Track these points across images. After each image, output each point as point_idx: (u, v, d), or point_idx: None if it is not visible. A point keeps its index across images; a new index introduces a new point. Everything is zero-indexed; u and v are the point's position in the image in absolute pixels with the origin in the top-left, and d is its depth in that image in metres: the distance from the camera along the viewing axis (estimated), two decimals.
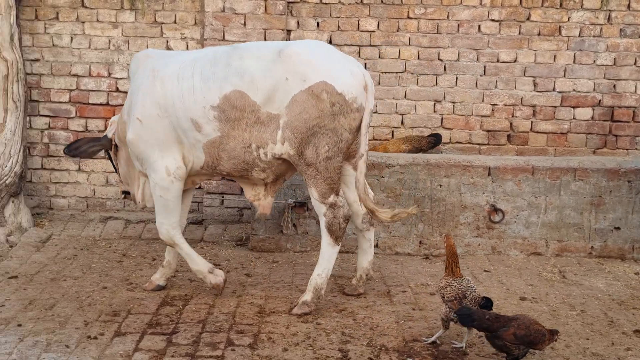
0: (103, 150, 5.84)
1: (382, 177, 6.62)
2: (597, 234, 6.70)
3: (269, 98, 5.08)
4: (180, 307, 5.32)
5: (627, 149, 7.63)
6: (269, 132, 5.13)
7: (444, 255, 6.38)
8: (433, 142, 7.39)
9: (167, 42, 7.40)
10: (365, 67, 7.50)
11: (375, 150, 7.28)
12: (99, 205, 7.57)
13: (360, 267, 5.69)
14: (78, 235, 7.10)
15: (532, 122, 7.62)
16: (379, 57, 7.52)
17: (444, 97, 7.59)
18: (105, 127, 7.01)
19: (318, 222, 6.61)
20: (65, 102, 7.51)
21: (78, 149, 5.76)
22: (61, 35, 7.42)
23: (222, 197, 7.44)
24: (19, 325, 4.88)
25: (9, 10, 6.79)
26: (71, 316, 5.07)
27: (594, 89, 7.58)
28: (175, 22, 7.40)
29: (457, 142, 7.64)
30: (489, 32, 7.49)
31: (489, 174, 6.65)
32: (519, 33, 7.49)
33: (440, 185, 6.65)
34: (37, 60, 7.44)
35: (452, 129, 7.62)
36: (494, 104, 7.60)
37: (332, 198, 5.21)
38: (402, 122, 7.62)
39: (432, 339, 4.77)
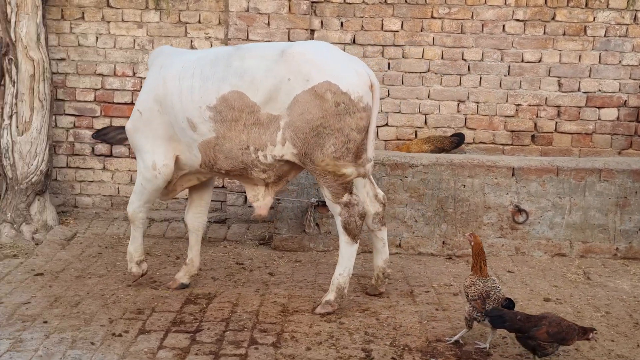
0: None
1: (406, 177, 6.61)
2: (622, 235, 6.65)
3: (269, 99, 5.05)
4: (204, 305, 5.34)
5: None
6: (269, 134, 5.10)
7: (468, 256, 6.41)
8: (456, 142, 7.36)
9: (192, 41, 7.44)
10: (389, 67, 7.50)
11: (398, 150, 7.28)
12: (123, 203, 7.61)
13: (377, 267, 5.66)
14: (102, 233, 7.15)
15: (556, 122, 7.58)
16: (403, 57, 7.51)
17: (468, 97, 7.57)
18: None
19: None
20: (90, 101, 7.57)
21: (106, 135, 5.93)
22: (87, 34, 7.48)
23: (245, 196, 7.45)
24: (45, 322, 4.93)
25: (35, 10, 6.86)
26: (96, 313, 5.11)
27: (619, 90, 7.52)
28: (199, 21, 7.44)
29: (480, 143, 7.61)
30: (513, 32, 7.46)
31: (513, 175, 6.62)
32: (544, 33, 7.45)
33: (464, 186, 6.63)
34: (63, 59, 7.50)
35: (475, 129, 7.60)
36: (518, 104, 7.56)
37: (346, 197, 5.18)
38: (425, 122, 7.60)
39: (455, 338, 4.76)
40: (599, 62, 7.49)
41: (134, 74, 7.50)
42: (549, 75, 7.52)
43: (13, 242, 6.70)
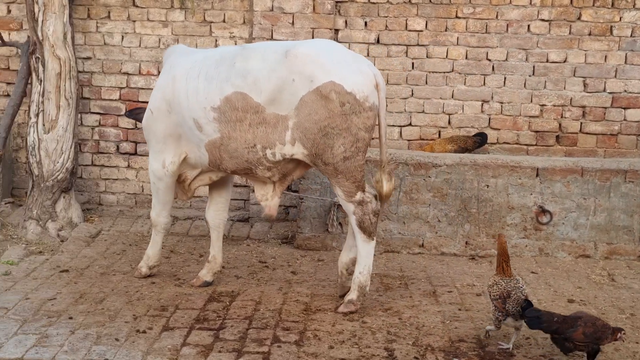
0: None
1: (429, 176, 6.60)
2: None
3: (274, 99, 5.06)
4: (227, 303, 5.37)
5: None
6: (277, 133, 5.11)
7: (491, 256, 6.41)
8: (479, 141, 7.34)
9: (216, 41, 7.47)
10: (413, 67, 7.49)
11: (421, 150, 7.27)
12: (147, 201, 7.66)
13: (341, 262, 5.57)
14: (127, 231, 7.21)
15: (581, 123, 7.53)
16: (427, 56, 7.50)
17: (492, 97, 7.54)
18: None
19: None
20: (115, 100, 7.63)
21: (139, 115, 5.99)
22: (112, 33, 7.54)
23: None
24: (70, 318, 4.98)
25: (62, 9, 6.92)
26: (120, 310, 5.16)
27: None
28: (224, 21, 7.47)
29: (504, 143, 7.58)
30: (538, 32, 7.42)
31: (537, 175, 6.59)
32: (569, 33, 7.41)
33: (488, 186, 6.61)
34: (88, 58, 7.57)
35: (499, 130, 7.57)
36: (542, 105, 7.52)
37: (359, 196, 5.16)
38: (449, 122, 7.58)
39: (505, 346, 4.68)
40: (625, 62, 7.43)
41: (159, 72, 7.54)
42: (574, 75, 7.47)
43: (39, 238, 6.77)
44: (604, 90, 7.47)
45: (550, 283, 6.00)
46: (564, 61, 7.45)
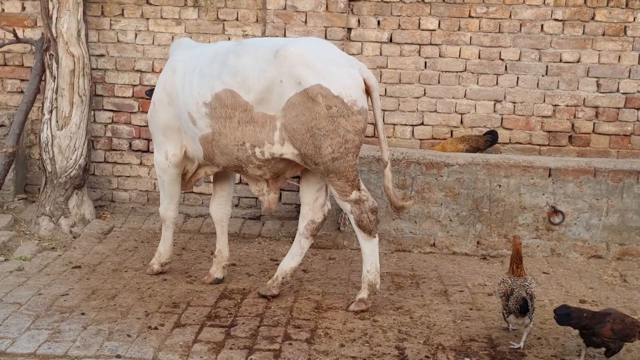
0: None
1: (441, 176, 6.60)
2: None
3: (262, 99, 5.07)
4: (239, 300, 5.38)
5: None
6: (265, 133, 5.12)
7: (502, 257, 6.43)
8: (490, 140, 7.33)
9: (229, 39, 7.48)
10: (425, 66, 7.48)
11: (432, 149, 7.27)
12: (159, 199, 7.65)
13: (280, 269, 5.51)
14: (139, 228, 7.23)
15: (594, 123, 7.51)
16: (440, 56, 7.49)
17: (505, 97, 7.52)
18: None
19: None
20: (128, 97, 7.65)
21: None
22: (126, 31, 7.56)
23: (280, 193, 7.49)
24: (83, 313, 5.00)
25: (76, 6, 6.95)
26: (132, 306, 5.18)
27: None
28: (237, 19, 7.48)
29: (517, 143, 7.56)
30: (552, 32, 7.40)
31: (549, 175, 6.57)
32: (583, 33, 7.38)
33: (500, 186, 6.59)
34: (102, 55, 7.59)
35: (512, 129, 7.55)
36: (555, 105, 7.50)
37: (354, 194, 5.14)
38: (461, 122, 7.57)
39: (516, 346, 4.70)
40: (639, 63, 7.40)
41: None
42: (587, 75, 7.44)
43: (51, 235, 6.80)
44: (617, 90, 7.44)
45: (562, 283, 5.98)
46: (577, 61, 7.43)
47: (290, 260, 5.50)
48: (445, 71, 7.50)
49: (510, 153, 7.41)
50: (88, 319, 4.91)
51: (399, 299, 5.53)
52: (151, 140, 7.56)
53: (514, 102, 7.52)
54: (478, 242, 6.67)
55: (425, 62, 7.50)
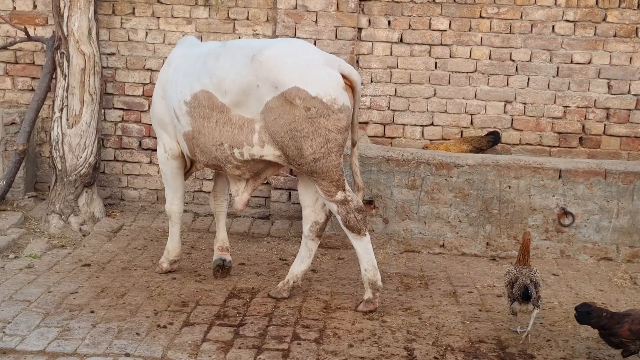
0: None
1: (451, 177, 6.58)
2: None
3: (239, 102, 5.08)
4: (247, 300, 5.38)
5: None
6: (243, 135, 5.13)
7: (512, 258, 6.40)
8: (492, 140, 7.33)
9: (239, 38, 7.49)
10: (436, 67, 7.47)
11: (434, 148, 7.26)
12: None
13: (291, 272, 5.50)
14: (148, 226, 7.24)
15: (605, 125, 7.49)
16: (450, 56, 7.48)
17: (515, 98, 7.51)
18: None
19: (384, 221, 6.63)
20: (138, 96, 7.67)
21: None
22: (137, 30, 7.57)
23: (289, 192, 7.49)
24: (92, 311, 5.01)
25: (87, 5, 6.96)
26: (141, 305, 5.18)
27: None
28: (247, 18, 7.48)
29: (527, 144, 7.55)
30: (563, 33, 7.38)
31: (559, 177, 6.55)
32: (594, 34, 7.36)
33: (510, 187, 6.58)
34: (113, 54, 7.61)
35: (522, 130, 7.54)
36: (566, 106, 7.48)
37: (339, 195, 5.11)
38: (471, 122, 7.56)
39: (525, 330, 4.83)
40: None
41: None
42: (598, 77, 7.42)
43: (61, 232, 6.82)
44: (629, 92, 7.41)
45: (571, 285, 5.96)
46: (589, 62, 7.41)
47: (300, 263, 5.50)
48: (456, 72, 7.49)
49: (520, 154, 7.40)
50: (97, 317, 4.91)
51: (407, 299, 5.53)
52: None
53: (525, 103, 7.50)
54: (487, 243, 6.66)
55: (436, 63, 7.49)
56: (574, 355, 4.61)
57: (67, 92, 6.99)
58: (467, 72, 7.49)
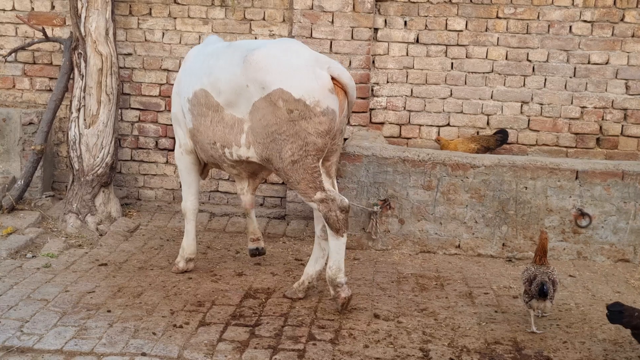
0: None
1: (467, 177, 6.57)
2: None
3: (231, 102, 5.15)
4: (263, 300, 5.39)
5: None
6: (233, 135, 5.20)
7: (528, 259, 6.38)
8: (500, 139, 7.32)
9: (256, 38, 7.50)
10: (452, 67, 7.46)
11: (448, 143, 7.24)
12: None
13: (306, 273, 5.50)
14: (164, 226, 7.27)
15: (622, 125, 7.45)
16: (466, 56, 7.46)
17: (532, 99, 7.48)
18: None
19: (400, 221, 6.62)
20: (155, 96, 7.70)
21: None
22: (153, 30, 7.60)
23: None
24: (109, 311, 5.04)
25: (105, 5, 7.00)
26: (158, 304, 5.21)
27: None
28: (264, 19, 7.49)
29: (543, 145, 7.52)
30: (580, 33, 7.34)
31: (576, 178, 6.51)
32: (612, 34, 7.32)
33: (526, 188, 6.55)
34: (129, 54, 7.64)
35: (539, 131, 7.51)
36: (583, 107, 7.45)
37: (318, 195, 5.10)
38: (487, 123, 7.54)
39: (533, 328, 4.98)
40: None
41: None
42: (616, 77, 7.38)
43: (78, 232, 6.86)
44: None
45: (588, 287, 5.94)
46: (606, 63, 7.37)
47: (315, 264, 5.50)
48: (472, 72, 7.48)
49: (537, 155, 7.37)
50: (114, 317, 4.94)
51: (423, 300, 5.52)
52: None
53: (541, 104, 7.47)
54: (503, 244, 6.64)
55: (452, 63, 7.47)
56: (590, 357, 4.59)
57: (84, 92, 7.03)
58: (484, 73, 7.47)
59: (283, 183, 7.56)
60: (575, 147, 7.50)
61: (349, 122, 5.21)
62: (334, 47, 7.33)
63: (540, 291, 4.81)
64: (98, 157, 7.06)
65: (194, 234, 6.01)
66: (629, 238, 6.54)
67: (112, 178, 7.25)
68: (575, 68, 7.40)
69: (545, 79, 7.44)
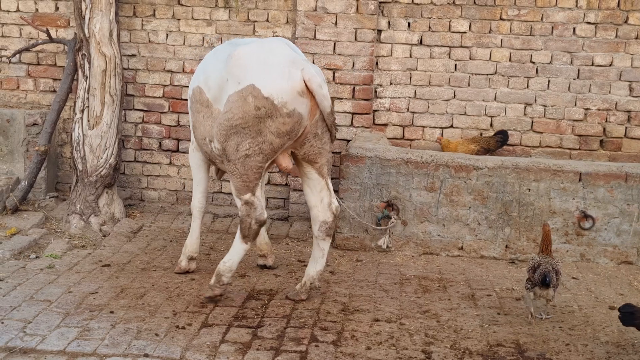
0: None
1: (470, 179, 6.56)
2: None
3: (217, 97, 5.26)
4: (266, 301, 5.40)
5: None
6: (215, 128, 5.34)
7: None
8: (500, 140, 7.30)
9: None
10: (455, 69, 7.45)
11: (448, 143, 7.24)
12: (188, 198, 7.73)
13: (307, 274, 5.50)
14: (167, 227, 7.28)
15: (626, 127, 7.44)
16: (470, 58, 7.46)
17: (535, 100, 7.48)
18: None
19: (403, 223, 6.62)
20: (159, 97, 7.71)
21: None
22: (157, 31, 7.61)
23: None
24: (111, 312, 5.04)
25: (109, 7, 7.01)
26: (160, 306, 5.21)
27: None
28: (267, 20, 7.50)
29: (547, 146, 7.51)
30: (584, 35, 7.34)
31: (580, 180, 6.51)
32: (616, 36, 7.31)
33: (529, 190, 6.55)
34: (133, 55, 7.65)
35: (542, 133, 7.50)
36: (587, 109, 7.44)
37: (247, 196, 5.16)
38: (491, 125, 7.53)
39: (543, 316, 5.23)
40: None
41: None
42: (619, 79, 7.38)
43: (82, 233, 6.87)
44: None
45: (591, 289, 5.93)
46: (610, 65, 7.37)
47: (315, 264, 5.50)
48: (476, 74, 7.47)
49: (540, 157, 7.37)
50: (117, 318, 4.95)
51: (426, 302, 5.52)
52: (180, 140, 7.67)
53: (545, 106, 7.47)
54: (507, 246, 6.63)
55: (456, 65, 7.47)
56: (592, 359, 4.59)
57: (88, 93, 7.04)
58: (487, 74, 7.47)
59: (287, 184, 7.57)
60: (579, 149, 7.50)
61: (332, 125, 5.20)
62: (337, 48, 7.33)
63: (542, 280, 5.00)
64: (102, 158, 7.07)
65: (198, 233, 6.01)
66: (632, 240, 6.53)
67: (115, 179, 7.26)
68: (579, 70, 7.39)
69: (549, 81, 7.43)
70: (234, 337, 4.73)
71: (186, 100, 7.50)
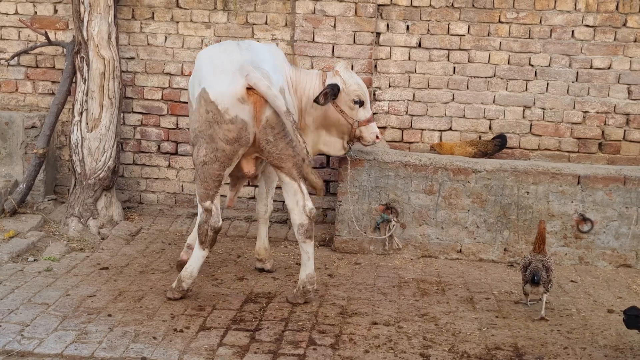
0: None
1: (468, 182, 6.56)
2: None
3: (194, 97, 5.35)
4: (264, 304, 5.39)
5: None
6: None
7: None
8: (499, 144, 7.29)
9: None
10: (454, 72, 7.45)
11: (442, 149, 7.23)
12: (186, 201, 7.73)
13: (300, 279, 5.50)
14: (166, 230, 7.27)
15: (625, 130, 7.44)
16: (468, 61, 7.46)
17: (534, 103, 7.48)
18: None
19: (402, 226, 6.62)
20: (157, 100, 7.70)
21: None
22: (156, 34, 7.61)
23: None
24: (109, 315, 5.04)
25: (107, 9, 7.01)
26: (158, 309, 5.21)
27: None
28: (266, 23, 7.50)
29: (545, 149, 7.51)
30: (582, 38, 7.34)
31: (578, 183, 6.51)
32: (614, 39, 7.32)
33: (528, 193, 6.55)
34: (132, 58, 7.65)
35: (541, 136, 7.50)
36: (585, 111, 7.44)
37: (207, 204, 5.23)
38: (489, 127, 7.53)
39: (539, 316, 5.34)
40: None
41: None
42: (618, 82, 7.38)
43: (80, 235, 6.86)
44: None
45: (589, 292, 5.93)
46: (608, 68, 7.37)
47: (304, 268, 5.49)
48: (474, 77, 7.47)
49: (539, 160, 7.37)
50: (114, 321, 4.94)
51: (424, 305, 5.51)
52: (179, 143, 7.67)
53: (544, 109, 7.47)
54: (505, 249, 6.63)
55: (454, 68, 7.47)
56: None
57: (86, 96, 7.04)
58: (486, 77, 7.47)
59: None
60: (578, 152, 7.49)
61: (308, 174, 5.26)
62: (336, 51, 7.33)
63: (532, 279, 5.25)
64: (100, 160, 7.07)
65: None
66: (630, 243, 6.53)
67: (114, 182, 7.26)
68: (577, 73, 7.39)
69: (548, 84, 7.44)
70: (231, 340, 4.73)
71: (185, 102, 7.54)
